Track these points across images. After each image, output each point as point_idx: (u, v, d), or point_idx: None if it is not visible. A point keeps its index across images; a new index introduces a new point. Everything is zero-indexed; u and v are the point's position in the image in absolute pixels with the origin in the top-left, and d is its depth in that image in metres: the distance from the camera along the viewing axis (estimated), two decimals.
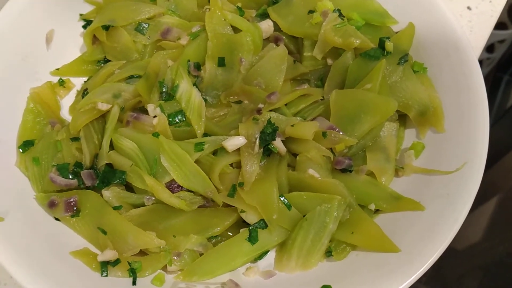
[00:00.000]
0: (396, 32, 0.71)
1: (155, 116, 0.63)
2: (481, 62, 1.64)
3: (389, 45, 0.66)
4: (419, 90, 0.64)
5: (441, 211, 0.54)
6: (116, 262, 0.54)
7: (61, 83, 0.71)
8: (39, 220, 0.58)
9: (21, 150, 0.62)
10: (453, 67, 0.64)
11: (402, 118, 0.66)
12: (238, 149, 0.61)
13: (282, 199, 0.58)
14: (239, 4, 0.77)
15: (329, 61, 0.71)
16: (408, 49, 0.68)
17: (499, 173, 1.44)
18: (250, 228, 0.57)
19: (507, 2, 1.51)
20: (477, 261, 1.37)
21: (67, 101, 0.72)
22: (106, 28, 0.71)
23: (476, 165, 0.55)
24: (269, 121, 0.62)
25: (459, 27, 0.67)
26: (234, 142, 0.60)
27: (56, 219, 0.59)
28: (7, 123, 0.64)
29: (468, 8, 0.88)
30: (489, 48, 1.59)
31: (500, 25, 1.61)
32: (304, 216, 0.58)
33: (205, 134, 0.63)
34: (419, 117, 0.64)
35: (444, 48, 0.66)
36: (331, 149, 0.62)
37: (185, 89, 0.65)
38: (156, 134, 0.61)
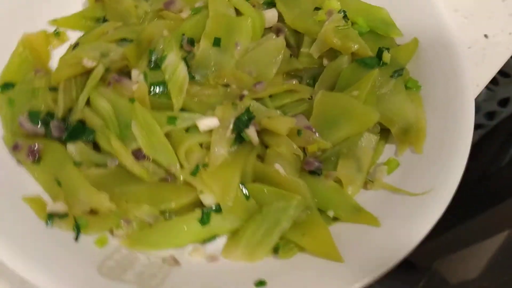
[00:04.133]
0: (399, 45, 0.69)
1: (137, 82, 0.63)
2: None
3: (386, 56, 0.64)
4: (407, 107, 0.62)
5: (396, 233, 0.52)
6: (63, 216, 0.55)
7: (57, 34, 0.71)
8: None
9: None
10: (448, 92, 0.62)
11: (385, 132, 0.64)
12: (211, 131, 0.60)
13: (242, 188, 0.57)
14: None
15: (325, 61, 0.70)
16: (405, 64, 0.66)
17: None
18: (204, 209, 0.56)
19: None
20: None
21: (59, 52, 0.72)
22: None
23: (442, 194, 0.53)
24: (247, 109, 0.61)
25: (463, 54, 0.64)
26: (206, 122, 0.59)
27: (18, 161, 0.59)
28: None
29: (485, 36, 0.85)
30: None
31: None
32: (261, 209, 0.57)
33: (183, 110, 0.63)
34: (401, 134, 0.62)
35: (443, 71, 0.64)
36: (304, 149, 0.61)
37: (172, 61, 0.64)
38: (132, 100, 0.60)
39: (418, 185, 0.56)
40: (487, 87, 1.54)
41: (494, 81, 1.53)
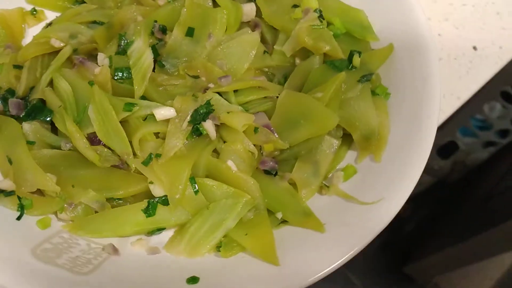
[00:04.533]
0: (373, 49, 0.67)
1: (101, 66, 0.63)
2: None
3: (356, 60, 0.63)
4: (371, 113, 0.60)
5: (339, 240, 0.51)
6: (9, 193, 0.54)
7: (34, 12, 0.71)
8: None
9: None
10: (414, 102, 0.60)
11: (348, 138, 0.62)
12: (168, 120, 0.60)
13: (192, 182, 0.57)
14: None
15: (297, 60, 0.68)
16: (375, 70, 0.64)
17: None
18: (150, 200, 0.56)
19: None
20: None
21: (35, 31, 0.72)
22: None
23: (390, 205, 0.52)
24: (207, 102, 0.60)
25: (436, 64, 0.62)
26: (163, 111, 0.58)
27: None
28: None
29: (474, 48, 0.82)
30: None
31: None
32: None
33: (144, 98, 0.62)
34: (362, 141, 0.60)
35: (413, 80, 0.62)
36: (261, 148, 0.60)
37: (139, 47, 0.63)
38: (91, 83, 0.60)
39: (371, 194, 0.55)
40: (502, 105, 1.50)
41: (509, 99, 1.49)
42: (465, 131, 1.60)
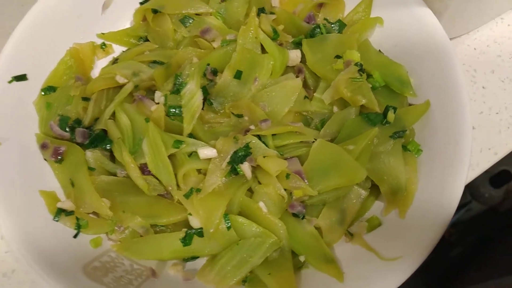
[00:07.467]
0: (410, 105, 0.70)
1: (158, 103, 0.70)
2: None
3: (390, 116, 0.66)
4: (399, 169, 0.63)
5: None
6: (69, 213, 0.63)
7: (103, 46, 0.80)
8: (30, 154, 0.67)
9: (42, 93, 0.72)
10: (444, 163, 0.62)
11: (376, 189, 0.66)
12: (210, 159, 0.66)
13: (226, 217, 0.62)
14: (282, 27, 0.80)
15: (335, 108, 0.72)
16: (409, 126, 0.67)
17: None
18: (187, 231, 0.62)
19: None
20: None
21: (103, 63, 0.81)
22: (155, 11, 0.79)
23: (408, 264, 0.54)
24: (246, 145, 0.65)
25: (469, 122, 0.63)
26: (206, 151, 0.65)
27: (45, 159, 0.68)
28: (46, 67, 0.75)
29: None
30: None
31: None
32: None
33: (191, 135, 0.69)
34: (389, 194, 0.63)
35: (445, 138, 0.64)
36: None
37: (191, 89, 0.70)
38: (147, 120, 0.67)
39: (392, 249, 0.58)
40: None
41: None
42: None
